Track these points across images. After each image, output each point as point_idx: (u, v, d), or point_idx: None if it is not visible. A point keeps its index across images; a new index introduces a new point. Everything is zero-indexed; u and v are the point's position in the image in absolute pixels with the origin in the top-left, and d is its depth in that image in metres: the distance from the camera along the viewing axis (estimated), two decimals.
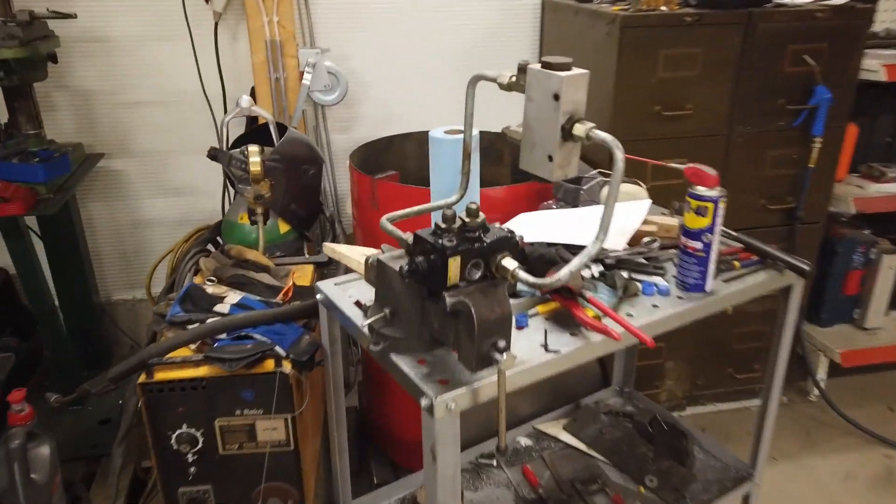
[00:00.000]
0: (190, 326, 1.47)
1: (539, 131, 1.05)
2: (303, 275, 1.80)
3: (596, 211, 1.61)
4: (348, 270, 1.44)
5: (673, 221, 1.61)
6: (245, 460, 1.45)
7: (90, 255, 2.68)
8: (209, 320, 1.45)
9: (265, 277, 1.68)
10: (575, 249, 1.41)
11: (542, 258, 1.33)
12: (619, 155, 0.96)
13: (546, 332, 1.24)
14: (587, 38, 2.28)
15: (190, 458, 1.43)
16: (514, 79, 1.10)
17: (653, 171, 2.22)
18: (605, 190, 1.69)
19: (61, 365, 2.41)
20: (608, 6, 2.22)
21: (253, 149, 1.72)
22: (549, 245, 1.41)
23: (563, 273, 0.99)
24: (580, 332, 1.24)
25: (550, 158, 1.05)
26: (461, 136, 1.30)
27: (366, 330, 1.18)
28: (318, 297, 1.42)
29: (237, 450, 1.44)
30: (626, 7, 2.16)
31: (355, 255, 1.52)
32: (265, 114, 1.89)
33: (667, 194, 1.69)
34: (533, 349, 1.19)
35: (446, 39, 2.71)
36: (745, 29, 2.13)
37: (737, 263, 1.49)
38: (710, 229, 1.33)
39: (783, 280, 1.50)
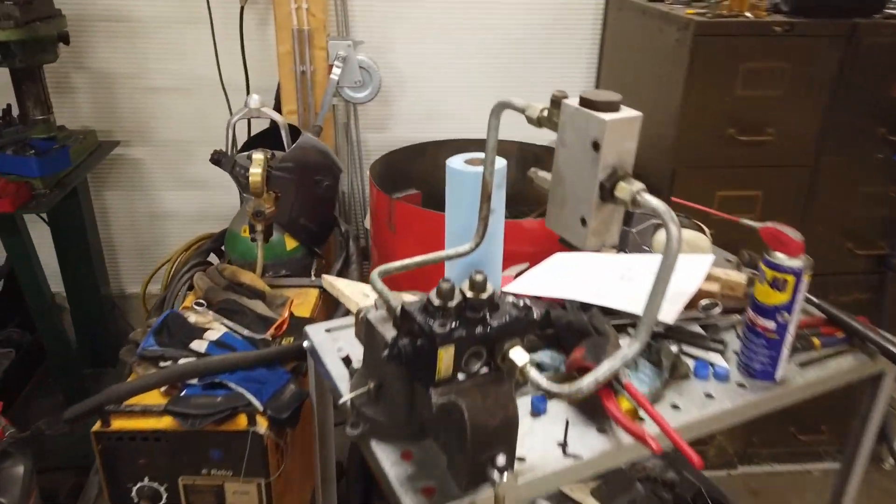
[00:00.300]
0: (162, 364, 1.30)
1: (572, 186, 0.82)
2: (305, 302, 1.62)
3: (647, 262, 1.36)
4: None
5: (740, 278, 1.34)
6: None
7: (101, 245, 2.58)
8: (181, 360, 1.27)
9: (258, 306, 1.50)
10: (615, 314, 1.18)
11: (571, 326, 1.10)
12: (675, 232, 0.72)
13: (567, 424, 1.01)
14: (654, 43, 2.00)
15: None
16: (545, 113, 0.86)
17: (720, 200, 1.94)
18: (659, 238, 1.43)
19: (63, 363, 2.31)
20: (681, 8, 1.94)
21: (257, 157, 1.53)
22: (584, 306, 1.17)
23: (586, 382, 0.76)
24: (610, 429, 1.00)
25: (584, 222, 0.81)
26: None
27: (348, 403, 0.98)
28: (305, 343, 1.22)
29: None
30: (704, 11, 1.87)
31: (355, 294, 1.32)
32: (276, 116, 1.70)
33: (733, 235, 1.42)
34: (548, 448, 0.96)
35: (496, 35, 2.47)
36: (846, 43, 1.81)
37: (817, 341, 1.23)
38: (789, 307, 1.07)
39: (874, 366, 1.23)
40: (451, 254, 1.07)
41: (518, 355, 0.80)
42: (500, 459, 0.80)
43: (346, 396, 0.96)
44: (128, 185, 2.64)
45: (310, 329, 1.23)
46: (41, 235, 2.34)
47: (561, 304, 1.22)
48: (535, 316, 0.88)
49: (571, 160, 0.82)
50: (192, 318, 1.42)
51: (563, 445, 0.97)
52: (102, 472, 1.24)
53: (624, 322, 1.21)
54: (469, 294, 0.82)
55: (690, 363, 1.15)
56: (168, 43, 2.38)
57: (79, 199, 2.27)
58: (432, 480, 0.88)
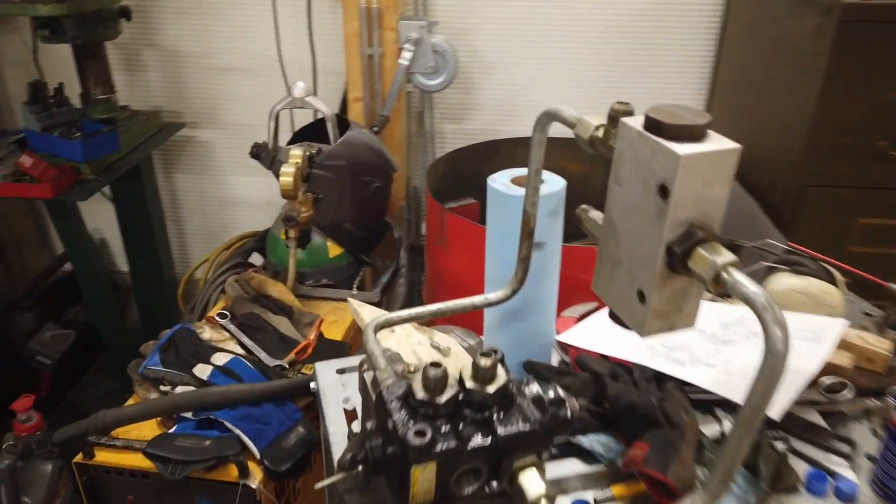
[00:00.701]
0: (162, 388, 1.17)
1: (628, 243, 0.58)
2: (341, 320, 1.44)
3: (754, 319, 1.07)
4: None
5: (882, 345, 1.03)
6: None
7: (166, 228, 2.54)
8: (179, 388, 1.13)
9: (283, 324, 1.34)
10: (700, 392, 0.91)
11: (633, 410, 0.84)
12: (780, 335, 0.47)
13: None
14: (787, 28, 1.65)
15: None
16: (601, 132, 0.62)
17: (860, 229, 1.58)
18: (775, 286, 1.12)
19: (117, 348, 2.28)
20: None
21: (294, 153, 1.37)
22: (659, 376, 0.91)
23: None
24: None
25: (642, 297, 0.57)
26: (541, 188, 0.84)
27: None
28: (312, 385, 1.04)
29: None
30: None
31: (372, 315, 1.12)
32: (321, 106, 1.53)
33: (874, 272, 1.10)
34: None
35: (596, 14, 2.17)
36: None
37: None
38: None
39: None
40: (479, 303, 0.84)
41: (531, 482, 0.57)
42: None
43: (323, 482, 0.76)
44: (197, 168, 2.59)
45: (320, 367, 1.05)
46: (111, 214, 2.34)
47: (628, 366, 0.96)
48: (568, 415, 0.64)
49: (629, 206, 0.57)
50: (207, 333, 1.28)
51: None
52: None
53: (711, 398, 0.94)
54: (470, 384, 0.59)
55: (801, 470, 0.86)
56: (237, 21, 2.28)
57: (141, 180, 2.22)
58: None
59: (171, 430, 1.08)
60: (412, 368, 0.67)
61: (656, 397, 0.86)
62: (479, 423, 0.59)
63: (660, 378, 0.94)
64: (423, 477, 0.56)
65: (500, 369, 0.61)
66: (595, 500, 0.84)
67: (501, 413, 0.60)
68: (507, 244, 0.90)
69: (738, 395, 0.89)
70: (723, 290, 0.51)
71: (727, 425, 0.94)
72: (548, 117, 0.71)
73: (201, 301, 1.56)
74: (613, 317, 0.61)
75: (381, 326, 0.77)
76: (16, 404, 1.77)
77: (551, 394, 0.65)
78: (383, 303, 1.57)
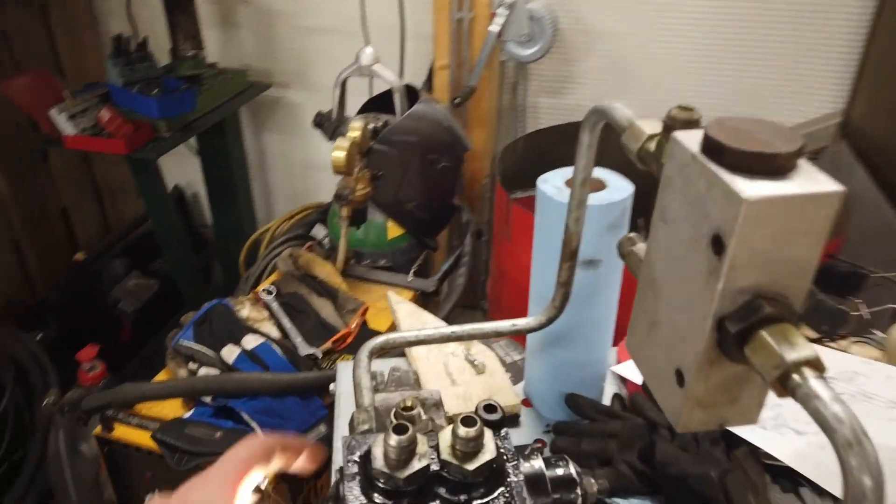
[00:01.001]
0: (191, 365, 1.12)
1: (668, 300, 0.43)
2: (388, 309, 1.34)
3: (874, 373, 0.87)
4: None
5: None
6: None
7: (251, 187, 2.54)
8: (202, 371, 1.08)
9: (325, 308, 1.26)
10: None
11: (683, 483, 0.69)
12: (868, 486, 0.31)
13: None
14: None
15: None
16: (652, 145, 0.46)
17: None
18: None
19: (196, 303, 2.33)
20: None
21: (355, 125, 1.27)
22: (729, 440, 0.75)
23: None
24: None
25: (680, 378, 0.42)
26: (599, 196, 0.70)
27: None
28: (331, 388, 0.95)
29: None
30: None
31: (413, 324, 1.02)
32: (389, 76, 1.42)
33: None
34: None
35: None
36: None
37: None
38: None
39: None
40: (506, 329, 0.71)
41: None
42: None
43: None
44: (285, 129, 2.57)
45: (343, 368, 0.96)
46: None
47: None
48: (578, 501, 0.51)
49: (675, 254, 0.42)
50: (245, 311, 1.23)
51: None
52: (109, 477, 1.11)
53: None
54: (447, 456, 0.47)
55: None
56: None
57: (226, 137, 2.22)
58: None
59: (187, 416, 1.04)
60: (410, 404, 0.55)
61: (718, 469, 0.70)
62: None
63: (730, 440, 0.77)
64: None
65: (487, 439, 0.48)
66: None
67: (484, 496, 0.47)
68: (554, 259, 0.75)
69: (831, 481, 0.71)
70: (788, 396, 0.35)
71: None
72: (597, 116, 0.56)
73: (255, 272, 1.52)
74: (646, 389, 0.46)
75: (377, 350, 0.66)
76: (81, 353, 1.83)
77: (559, 471, 0.52)
78: (441, 292, 1.46)
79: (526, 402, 0.94)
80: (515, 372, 1.01)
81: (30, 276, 2.25)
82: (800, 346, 0.35)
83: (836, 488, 0.70)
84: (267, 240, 1.66)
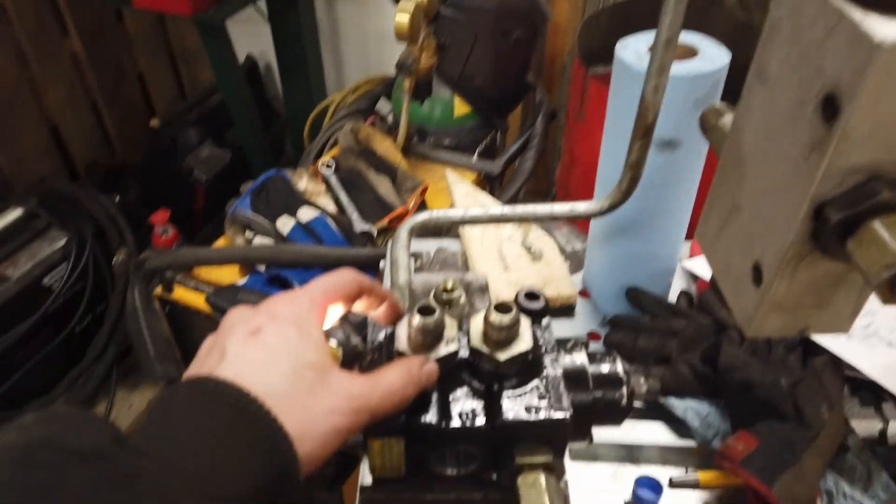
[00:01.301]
0: (248, 233, 1.12)
1: (755, 180, 0.35)
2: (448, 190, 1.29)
3: None
4: None
5: None
6: None
7: (322, 59, 2.46)
8: (257, 239, 1.08)
9: (384, 184, 1.22)
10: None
11: (749, 390, 0.63)
12: None
13: None
14: None
15: None
16: None
17: None
18: None
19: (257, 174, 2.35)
20: None
21: None
22: (807, 347, 0.68)
23: None
24: None
25: (757, 275, 0.35)
26: (686, 64, 0.60)
27: None
28: (381, 264, 0.93)
29: None
30: None
31: (469, 204, 0.96)
32: None
33: None
34: None
35: None
36: None
37: None
38: None
39: None
40: (562, 213, 0.64)
41: (532, 493, 0.41)
42: None
43: None
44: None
45: (396, 239, 0.92)
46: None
47: None
48: (623, 402, 0.46)
49: (771, 122, 0.34)
50: (303, 184, 1.20)
51: None
52: (172, 336, 1.15)
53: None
54: (478, 344, 0.43)
55: None
56: None
57: (297, 2, 2.13)
58: None
59: (241, 283, 1.04)
60: (451, 285, 0.51)
61: (791, 378, 0.63)
62: (481, 397, 0.43)
63: (810, 346, 0.70)
64: (387, 452, 0.42)
65: (523, 329, 0.43)
66: (671, 480, 0.66)
67: (517, 387, 0.43)
68: (627, 138, 0.67)
69: None
70: None
71: (895, 428, 0.69)
72: None
73: (317, 145, 1.49)
74: (714, 287, 0.40)
75: (419, 227, 0.61)
76: (154, 217, 1.89)
77: (604, 368, 0.47)
78: (506, 176, 1.38)
79: (583, 293, 0.89)
80: (576, 262, 0.95)
81: (109, 138, 2.30)
82: None
83: None
84: (331, 112, 1.61)
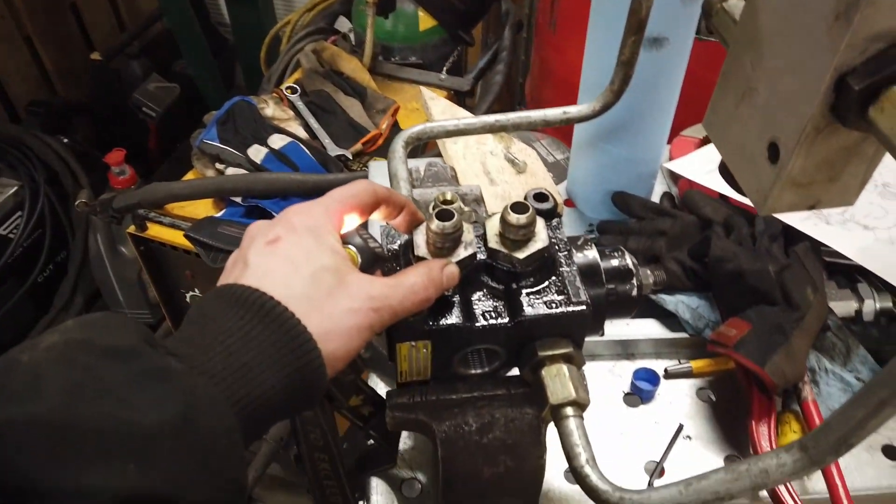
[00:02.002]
0: (218, 165, 1.10)
1: (772, 58, 0.36)
2: (421, 110, 1.28)
3: None
4: None
5: None
6: None
7: None
8: (230, 170, 1.05)
9: (354, 107, 1.20)
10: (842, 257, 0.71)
11: (739, 280, 0.66)
12: None
13: (681, 429, 0.64)
14: None
15: None
16: None
17: None
18: None
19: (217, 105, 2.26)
20: None
21: None
22: (788, 235, 0.71)
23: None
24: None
25: (773, 153, 0.36)
26: None
27: None
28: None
29: None
30: None
31: (444, 116, 0.95)
32: None
33: None
34: (627, 467, 0.62)
35: None
36: None
37: None
38: None
39: None
40: (554, 118, 0.65)
41: (557, 382, 0.43)
42: None
43: None
44: None
45: (374, 167, 0.92)
46: None
47: (752, 213, 0.76)
48: (633, 293, 0.48)
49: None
50: (269, 109, 1.17)
51: (655, 470, 0.61)
52: (149, 274, 1.13)
53: (854, 265, 0.73)
54: (495, 244, 0.43)
55: None
56: None
57: None
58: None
59: (219, 215, 1.03)
60: (450, 197, 0.51)
61: (777, 264, 0.66)
62: (501, 297, 0.44)
63: (790, 235, 0.73)
64: (415, 355, 0.43)
65: (539, 228, 0.44)
66: (666, 371, 0.70)
67: (534, 285, 0.44)
68: (613, 38, 0.67)
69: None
70: None
71: (870, 307, 0.73)
72: None
73: (277, 70, 1.43)
74: (724, 173, 0.41)
75: (414, 139, 0.60)
76: (109, 157, 1.81)
77: (614, 262, 0.48)
78: (476, 93, 1.37)
79: (568, 203, 0.90)
80: (558, 172, 0.96)
81: (48, 75, 2.18)
82: None
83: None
84: (288, 34, 1.55)
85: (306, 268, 0.39)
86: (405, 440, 0.61)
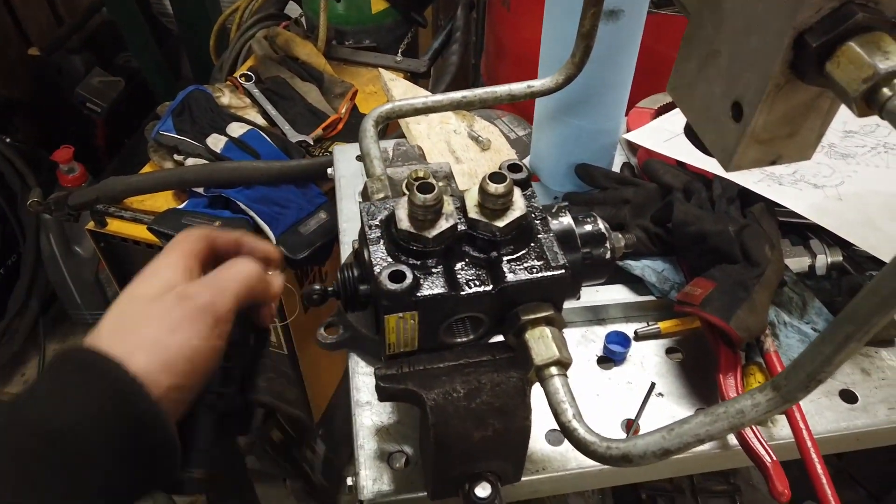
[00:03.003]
0: (176, 157, 1.08)
1: (734, 21, 0.38)
2: (379, 93, 1.28)
3: None
4: None
5: None
6: None
7: None
8: (189, 160, 1.04)
9: (312, 93, 1.19)
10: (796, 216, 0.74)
11: (703, 241, 0.69)
12: None
13: (653, 387, 0.67)
14: None
15: None
16: None
17: None
18: None
19: (167, 95, 2.21)
20: None
21: None
22: (744, 197, 0.74)
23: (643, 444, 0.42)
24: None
25: (737, 112, 0.39)
26: None
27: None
28: (329, 171, 0.92)
29: None
30: None
31: (404, 93, 0.96)
32: None
33: None
34: (606, 423, 0.64)
35: None
36: None
37: None
38: None
39: None
40: (520, 92, 0.66)
41: (540, 343, 0.45)
42: (483, 491, 0.49)
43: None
44: None
45: (340, 152, 0.92)
46: None
47: (709, 178, 0.79)
48: (607, 256, 0.50)
49: None
50: (225, 98, 1.15)
51: (632, 428, 0.64)
52: (110, 272, 1.11)
53: (807, 222, 0.77)
54: (475, 214, 0.45)
55: None
56: None
57: None
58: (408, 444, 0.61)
59: (182, 206, 1.01)
60: (422, 174, 0.52)
61: (736, 225, 0.69)
62: (483, 265, 0.45)
63: (746, 197, 0.76)
64: (402, 326, 0.44)
65: (517, 197, 0.45)
66: (636, 333, 0.73)
67: (514, 252, 0.46)
68: (571, 12, 0.68)
69: (850, 230, 0.71)
70: (873, 113, 0.32)
71: (822, 261, 0.77)
72: None
73: (229, 58, 1.41)
74: (690, 134, 0.43)
75: (384, 118, 0.61)
76: (57, 154, 1.76)
77: (588, 227, 0.50)
78: (431, 74, 1.37)
79: (533, 178, 0.92)
80: (521, 148, 0.97)
81: None
82: (894, 55, 0.31)
83: (854, 237, 0.71)
84: (237, 22, 1.52)
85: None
86: (390, 414, 0.62)
